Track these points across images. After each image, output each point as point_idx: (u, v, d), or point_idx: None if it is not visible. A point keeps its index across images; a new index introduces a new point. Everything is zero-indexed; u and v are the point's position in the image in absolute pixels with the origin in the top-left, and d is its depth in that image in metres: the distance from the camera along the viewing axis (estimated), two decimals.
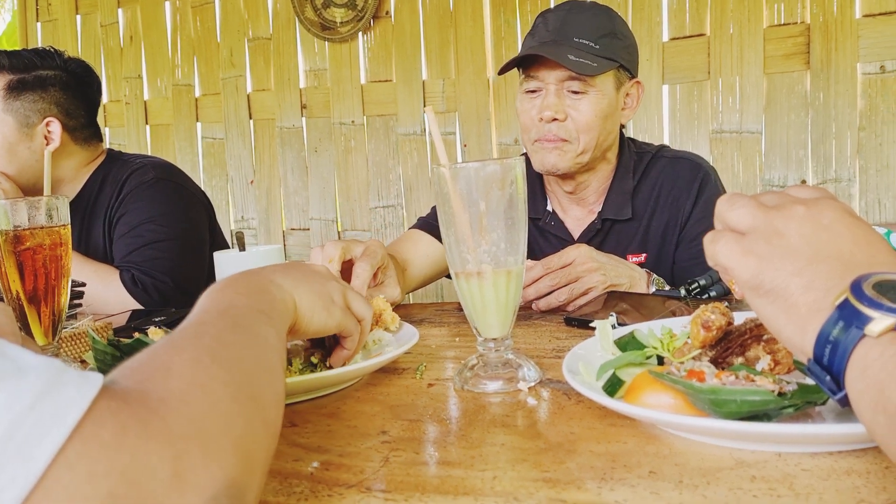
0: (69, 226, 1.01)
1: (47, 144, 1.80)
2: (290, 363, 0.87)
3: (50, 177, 1.23)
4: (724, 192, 1.59)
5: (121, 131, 3.60)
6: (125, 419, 0.40)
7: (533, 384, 0.83)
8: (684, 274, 1.43)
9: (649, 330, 0.80)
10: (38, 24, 3.71)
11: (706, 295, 1.16)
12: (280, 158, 3.33)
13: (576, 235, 1.61)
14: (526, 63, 1.49)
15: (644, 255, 1.54)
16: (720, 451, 0.61)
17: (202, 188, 2.13)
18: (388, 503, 0.56)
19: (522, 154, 1.64)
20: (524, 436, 0.68)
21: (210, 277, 1.26)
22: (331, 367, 0.85)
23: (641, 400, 0.65)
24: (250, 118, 3.37)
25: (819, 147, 2.52)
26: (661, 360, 0.76)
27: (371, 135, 3.17)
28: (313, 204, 3.30)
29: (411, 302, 1.62)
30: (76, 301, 1.36)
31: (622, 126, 1.60)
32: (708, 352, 0.71)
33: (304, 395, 0.84)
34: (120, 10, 3.55)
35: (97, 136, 1.95)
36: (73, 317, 1.28)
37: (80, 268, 1.67)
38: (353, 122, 3.19)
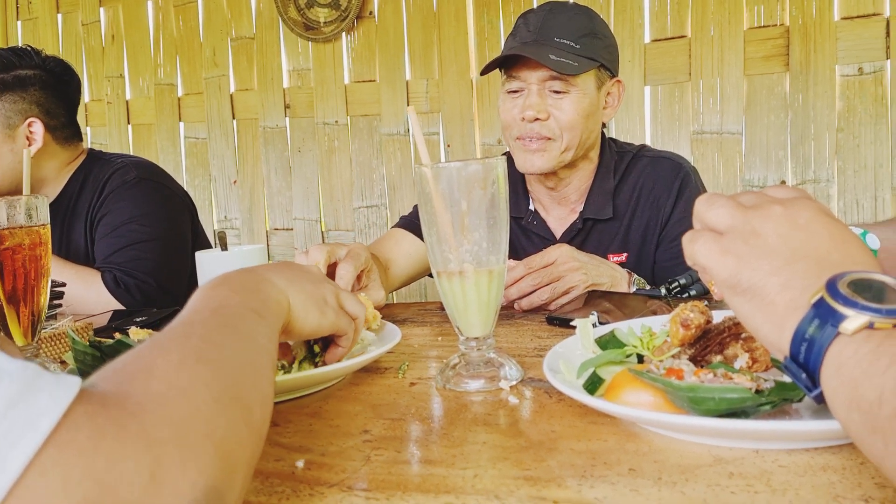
0: (49, 225, 1.00)
1: (29, 145, 1.78)
2: (293, 356, 0.87)
3: (29, 177, 1.22)
4: (705, 192, 1.60)
5: (102, 131, 3.58)
6: (102, 423, 0.39)
7: (514, 383, 0.83)
8: (665, 274, 1.44)
9: (629, 328, 0.80)
10: (19, 23, 3.68)
11: (686, 294, 1.17)
12: (263, 158, 3.32)
13: (558, 235, 1.62)
14: (508, 63, 1.50)
15: (625, 254, 1.55)
16: (699, 448, 0.61)
17: (185, 188, 2.12)
18: (370, 502, 0.56)
19: (504, 154, 1.64)
20: (505, 434, 0.69)
21: (193, 277, 1.25)
22: (324, 364, 0.86)
23: (621, 398, 0.66)
24: (233, 118, 3.36)
25: (798, 148, 2.55)
26: (640, 359, 0.76)
27: (355, 135, 3.17)
28: (297, 204, 3.29)
29: (394, 301, 1.62)
30: (56, 301, 1.35)
31: (604, 126, 1.61)
32: (687, 350, 0.72)
33: (286, 395, 0.84)
34: (102, 9, 3.52)
35: (77, 136, 1.94)
36: (52, 317, 1.27)
37: (60, 271, 1.65)
38: (336, 122, 3.18)
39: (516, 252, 1.58)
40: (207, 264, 1.18)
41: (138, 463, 0.39)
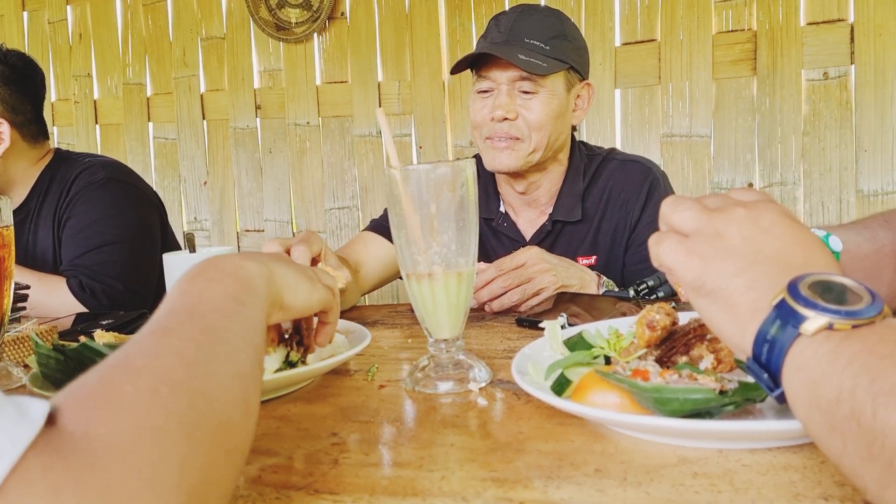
0: (12, 227, 0.98)
1: None
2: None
3: None
4: (674, 193, 1.63)
5: (69, 130, 3.52)
6: (58, 479, 0.35)
7: (483, 385, 0.83)
8: (634, 276, 1.46)
9: (597, 330, 0.81)
10: None
11: (654, 295, 1.18)
12: (234, 159, 3.30)
13: (527, 237, 1.62)
14: (478, 64, 1.51)
15: (594, 257, 1.56)
16: (664, 448, 0.62)
17: (154, 189, 2.09)
18: None
19: (475, 155, 1.65)
20: (474, 436, 0.69)
21: (162, 280, 1.23)
22: (311, 351, 0.85)
23: (588, 399, 0.66)
24: (203, 118, 3.33)
25: (765, 151, 2.58)
26: (608, 360, 0.77)
27: (326, 136, 3.16)
28: (268, 205, 3.27)
29: (365, 304, 1.62)
30: (20, 304, 1.33)
31: (574, 129, 1.62)
32: (653, 351, 0.73)
33: None
34: (69, 7, 3.47)
35: (44, 133, 1.90)
36: (16, 320, 1.25)
37: (22, 279, 1.61)
38: (308, 123, 3.17)
39: (486, 253, 1.58)
40: (176, 267, 1.16)
41: None
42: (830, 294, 0.50)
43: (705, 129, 2.64)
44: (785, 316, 0.50)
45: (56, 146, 1.98)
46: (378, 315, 1.34)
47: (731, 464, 0.58)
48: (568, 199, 1.59)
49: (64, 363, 0.78)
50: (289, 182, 3.23)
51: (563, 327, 0.86)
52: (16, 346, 1.07)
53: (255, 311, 0.63)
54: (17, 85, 1.79)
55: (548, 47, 1.46)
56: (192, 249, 1.21)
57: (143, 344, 0.50)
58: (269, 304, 0.68)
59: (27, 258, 1.82)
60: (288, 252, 1.15)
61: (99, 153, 3.27)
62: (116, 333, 0.92)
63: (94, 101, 3.48)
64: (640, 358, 0.72)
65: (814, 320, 0.48)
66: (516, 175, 1.55)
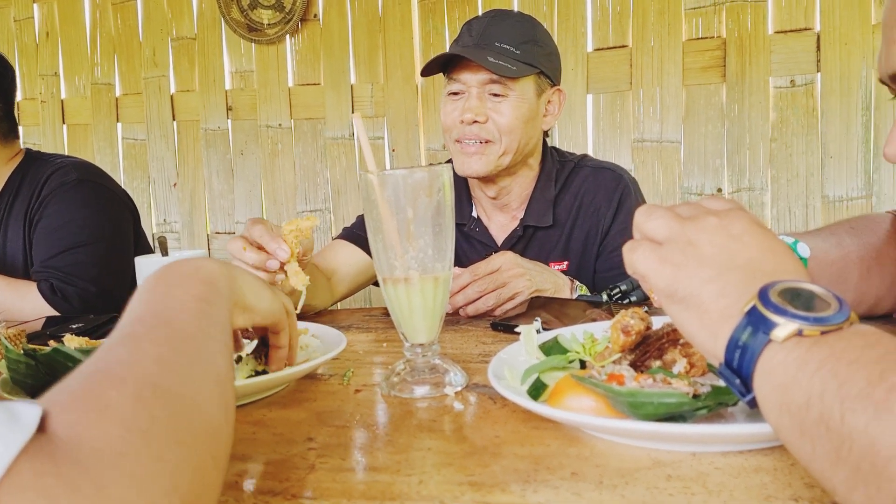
0: None
1: None
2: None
3: None
4: (644, 203, 1.65)
5: (36, 130, 3.46)
6: (51, 485, 0.34)
7: (459, 389, 0.84)
8: (605, 283, 1.46)
9: (572, 335, 0.82)
10: None
11: (627, 300, 1.20)
12: (205, 161, 3.27)
13: (499, 242, 1.63)
14: (449, 66, 1.52)
15: (566, 262, 1.58)
16: (638, 451, 0.63)
17: (126, 191, 2.06)
18: None
19: (449, 161, 1.66)
20: (450, 440, 0.69)
21: (134, 283, 1.22)
22: (272, 371, 0.85)
23: (564, 403, 0.67)
24: (173, 119, 3.29)
25: (734, 157, 2.62)
26: (583, 364, 0.78)
27: (298, 138, 3.14)
28: (239, 207, 3.24)
29: (339, 308, 1.62)
30: None
31: (546, 135, 1.63)
32: (627, 355, 0.74)
33: None
34: (35, 5, 3.41)
35: (15, 132, 1.86)
36: None
37: None
38: (280, 125, 3.15)
39: (458, 258, 1.59)
40: (147, 270, 1.15)
41: None
42: (799, 301, 0.51)
43: (676, 134, 2.68)
44: (756, 322, 0.51)
45: (22, 146, 1.94)
46: (352, 319, 1.33)
47: (704, 466, 0.59)
48: (539, 205, 1.61)
49: (35, 368, 0.77)
50: (260, 184, 3.21)
51: (537, 332, 0.86)
52: None
53: (221, 311, 0.63)
54: None
55: (518, 52, 1.47)
56: (165, 253, 1.20)
57: (117, 352, 0.50)
58: (232, 304, 0.68)
59: None
60: (254, 246, 1.13)
61: (66, 154, 3.24)
62: (87, 338, 0.91)
63: (62, 101, 3.43)
64: (615, 362, 0.73)
65: (784, 327, 0.50)
66: (486, 179, 1.56)
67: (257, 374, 0.85)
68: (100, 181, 1.86)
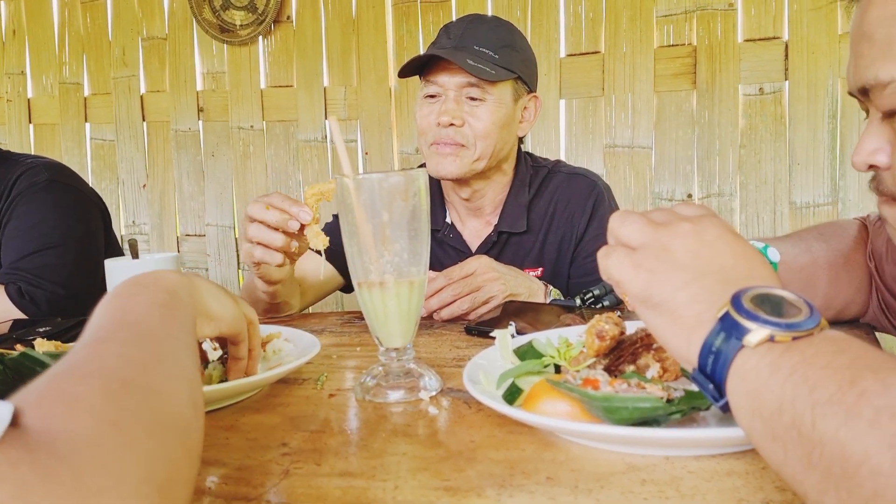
0: None
1: None
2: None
3: None
4: (617, 209, 1.66)
5: (1, 130, 3.40)
6: (26, 474, 0.34)
7: (434, 393, 0.84)
8: (579, 288, 1.46)
9: (547, 339, 0.82)
10: None
11: (600, 304, 1.21)
12: (175, 162, 3.23)
13: (473, 248, 1.63)
14: (426, 68, 1.52)
15: (540, 269, 1.58)
16: (613, 455, 0.63)
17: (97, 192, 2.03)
18: None
19: (421, 165, 1.65)
20: (425, 445, 0.69)
21: (104, 286, 1.20)
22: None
23: (539, 408, 0.67)
24: (143, 120, 3.25)
25: (704, 163, 2.65)
26: (558, 369, 0.78)
27: (271, 140, 3.12)
28: (209, 209, 3.21)
29: (311, 311, 1.60)
30: None
31: (520, 140, 1.64)
32: (602, 360, 0.74)
33: None
34: (2, 3, 3.35)
35: None
36: None
37: None
38: (252, 126, 3.13)
39: (432, 264, 1.57)
40: (118, 273, 1.13)
41: None
42: (771, 307, 0.52)
43: (647, 140, 2.70)
44: (729, 328, 0.52)
45: None
46: (325, 323, 1.33)
47: (678, 470, 0.60)
48: (513, 210, 1.61)
49: (2, 373, 0.75)
50: (232, 186, 3.19)
51: (512, 336, 0.87)
52: None
53: (184, 317, 0.63)
54: None
55: (497, 56, 1.47)
56: (135, 255, 1.18)
57: (83, 353, 0.50)
58: (196, 313, 0.68)
59: None
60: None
61: (32, 154, 3.18)
62: (57, 342, 0.90)
63: (28, 100, 3.37)
64: (589, 367, 0.73)
65: (756, 332, 0.50)
66: (460, 181, 1.56)
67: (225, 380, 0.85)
68: (71, 182, 1.83)
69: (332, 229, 1.62)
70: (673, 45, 2.65)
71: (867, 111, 0.76)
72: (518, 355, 0.82)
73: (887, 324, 1.03)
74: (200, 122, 3.19)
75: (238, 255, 3.19)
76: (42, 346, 0.86)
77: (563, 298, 1.36)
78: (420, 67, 1.53)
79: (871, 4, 0.71)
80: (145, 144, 3.27)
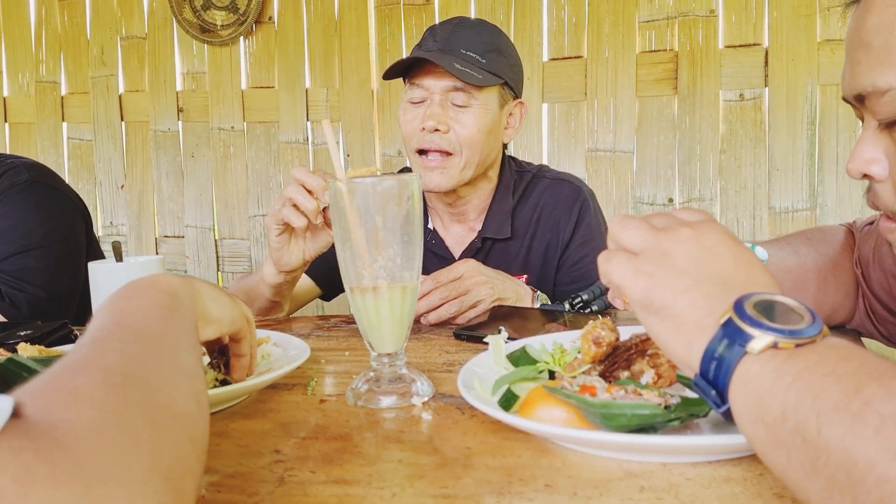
0: None
1: None
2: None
3: None
4: (602, 215, 1.66)
5: None
6: (29, 460, 0.34)
7: (426, 399, 0.83)
8: (564, 296, 1.45)
9: (541, 345, 0.82)
10: None
11: (589, 309, 1.21)
12: (154, 163, 3.20)
13: (456, 254, 1.61)
14: (411, 72, 1.49)
15: (525, 276, 1.57)
16: (609, 462, 0.63)
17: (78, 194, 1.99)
18: None
19: (403, 168, 1.65)
20: (420, 451, 0.69)
21: (86, 289, 1.18)
22: (236, 381, 0.83)
23: (535, 414, 0.67)
24: (122, 120, 3.21)
25: (685, 167, 2.67)
26: (552, 375, 0.78)
27: (251, 141, 3.10)
28: (189, 211, 3.18)
29: (298, 315, 1.59)
30: None
31: (504, 146, 1.62)
32: (597, 366, 0.74)
33: None
34: None
35: None
36: None
37: None
38: (232, 127, 3.10)
39: None
40: (101, 276, 1.12)
41: None
42: (773, 313, 0.52)
43: (628, 144, 2.72)
44: (732, 334, 0.52)
45: None
46: (312, 327, 1.32)
47: (676, 477, 0.60)
48: (497, 216, 1.59)
49: None
50: (211, 188, 3.16)
51: (504, 342, 0.86)
52: None
53: (185, 318, 0.62)
54: None
55: (484, 60, 1.45)
56: (119, 258, 1.17)
57: (82, 352, 0.49)
58: (197, 316, 0.67)
59: None
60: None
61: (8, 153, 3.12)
62: (41, 346, 0.88)
63: (4, 99, 3.32)
64: (584, 373, 0.73)
65: (760, 339, 0.50)
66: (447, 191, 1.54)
67: (217, 384, 0.84)
68: (52, 183, 1.80)
69: None
70: (655, 51, 2.67)
71: (862, 118, 0.77)
72: (511, 361, 0.81)
73: (873, 330, 1.04)
74: (180, 122, 3.16)
75: (217, 259, 3.16)
76: (26, 350, 0.84)
77: (550, 303, 1.36)
78: (405, 70, 1.51)
79: (868, 11, 0.72)
80: (124, 145, 3.23)
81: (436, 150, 1.47)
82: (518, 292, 1.34)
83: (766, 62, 2.56)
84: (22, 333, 1.10)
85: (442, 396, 0.85)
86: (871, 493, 0.41)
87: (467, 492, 0.59)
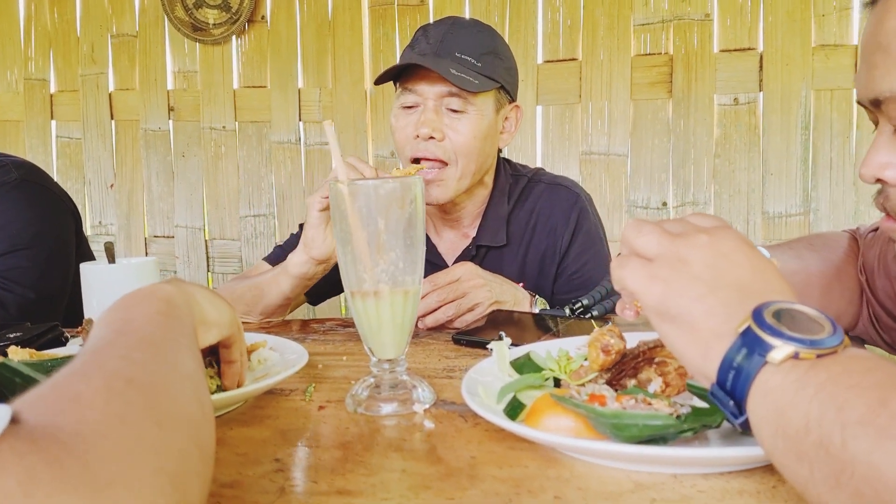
0: None
1: None
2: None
3: None
4: (600, 220, 1.62)
5: None
6: (34, 463, 0.33)
7: (428, 406, 0.81)
8: (564, 305, 1.42)
9: (547, 352, 0.80)
10: None
11: (589, 314, 1.19)
12: (144, 162, 3.16)
13: (449, 261, 1.56)
14: (404, 75, 1.43)
15: (521, 283, 1.52)
16: (618, 473, 0.62)
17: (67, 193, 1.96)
18: None
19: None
20: (424, 461, 0.67)
21: (76, 290, 1.16)
22: (227, 388, 0.81)
23: (542, 423, 0.66)
24: (112, 118, 3.18)
25: (679, 171, 2.67)
26: (557, 382, 0.76)
27: (243, 141, 3.07)
28: (179, 211, 3.15)
29: (291, 318, 1.56)
30: None
31: (499, 150, 1.56)
32: (604, 374, 0.72)
33: None
34: None
35: None
36: None
37: None
38: (224, 127, 3.07)
39: None
40: (94, 278, 1.09)
41: None
42: (793, 323, 0.51)
43: (623, 148, 2.71)
44: (751, 344, 0.51)
45: None
46: (307, 330, 1.30)
47: (687, 489, 0.58)
48: (492, 223, 1.54)
49: None
50: (202, 187, 3.13)
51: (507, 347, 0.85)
52: None
53: (184, 324, 0.61)
54: None
55: (480, 64, 1.39)
56: (112, 260, 1.14)
57: (82, 359, 0.48)
58: (196, 322, 0.66)
59: None
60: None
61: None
62: (31, 349, 0.86)
63: None
64: (591, 381, 0.71)
65: (780, 349, 0.49)
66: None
67: (218, 390, 0.82)
68: (42, 182, 1.77)
69: (293, 245, 1.57)
70: (649, 54, 2.67)
71: (876, 122, 0.76)
72: (515, 368, 0.80)
73: (877, 337, 1.03)
74: (171, 121, 3.13)
75: (207, 260, 3.13)
76: (16, 353, 0.82)
77: (549, 308, 1.34)
78: (397, 73, 1.44)
79: (887, 13, 0.71)
80: (113, 143, 3.20)
81: (431, 159, 1.41)
82: (516, 296, 1.32)
83: (761, 66, 2.56)
84: (11, 336, 1.07)
85: (443, 403, 0.83)
86: None
87: (474, 503, 0.58)
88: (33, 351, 0.85)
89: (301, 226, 1.65)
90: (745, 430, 0.52)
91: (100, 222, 3.23)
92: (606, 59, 2.70)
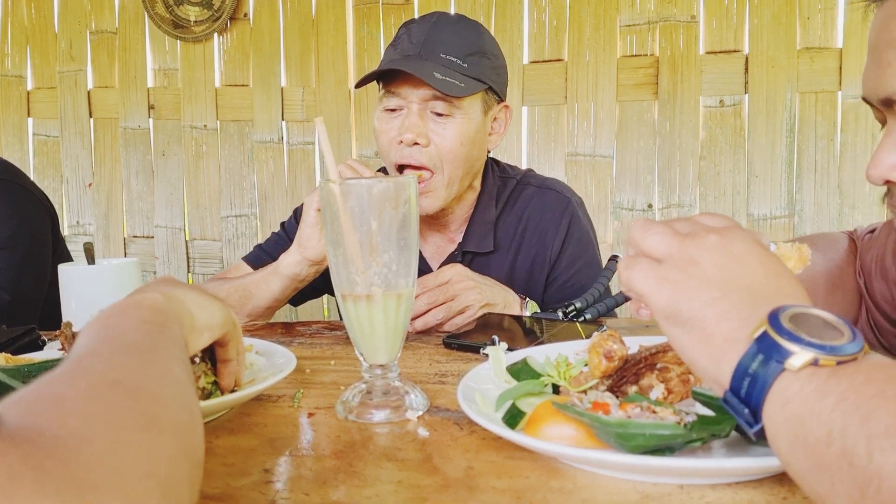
0: None
1: None
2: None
3: None
4: (591, 224, 1.58)
5: None
6: (13, 464, 0.31)
7: (421, 412, 0.79)
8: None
9: (546, 358, 0.78)
10: None
11: (582, 318, 1.17)
12: (123, 161, 3.11)
13: (434, 266, 1.51)
14: (387, 77, 1.36)
15: (510, 289, 1.48)
16: (623, 484, 0.59)
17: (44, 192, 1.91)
18: None
19: (381, 168, 1.58)
20: (421, 471, 0.64)
21: (53, 292, 1.12)
22: (225, 390, 0.78)
23: (543, 431, 0.63)
24: (90, 116, 3.12)
25: (665, 173, 2.66)
26: (556, 389, 0.74)
27: (225, 140, 3.03)
28: (159, 210, 3.10)
29: (275, 320, 1.53)
30: None
31: (487, 151, 1.51)
32: (605, 381, 0.70)
33: None
34: None
35: None
36: None
37: None
38: (205, 126, 3.03)
39: None
40: (73, 279, 1.05)
41: None
42: (810, 328, 0.49)
43: (608, 149, 2.70)
44: (767, 350, 0.48)
45: None
46: (293, 334, 1.26)
47: (695, 501, 0.56)
48: (479, 228, 1.49)
49: None
50: (183, 187, 3.08)
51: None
52: None
53: (172, 332, 0.59)
54: None
55: (465, 65, 1.34)
56: (91, 261, 1.10)
57: (66, 366, 0.45)
58: (186, 328, 0.64)
59: None
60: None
61: None
62: (6, 354, 0.82)
63: None
64: (591, 388, 0.69)
65: (799, 355, 0.47)
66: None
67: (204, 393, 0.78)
68: (18, 181, 1.72)
69: (273, 245, 1.54)
70: (635, 56, 2.66)
71: (883, 122, 0.74)
72: (512, 374, 0.77)
73: (875, 342, 1.01)
74: (151, 119, 3.08)
75: (188, 260, 3.08)
76: None
77: (539, 311, 1.31)
78: (379, 75, 1.38)
79: None
80: (92, 142, 3.14)
81: (416, 167, 1.36)
82: (507, 299, 1.29)
83: (747, 69, 2.56)
84: None
85: (437, 410, 0.81)
86: None
87: None
88: (9, 355, 0.81)
89: (283, 225, 1.62)
90: (760, 438, 0.50)
91: (77, 222, 3.17)
92: (592, 60, 2.69)
